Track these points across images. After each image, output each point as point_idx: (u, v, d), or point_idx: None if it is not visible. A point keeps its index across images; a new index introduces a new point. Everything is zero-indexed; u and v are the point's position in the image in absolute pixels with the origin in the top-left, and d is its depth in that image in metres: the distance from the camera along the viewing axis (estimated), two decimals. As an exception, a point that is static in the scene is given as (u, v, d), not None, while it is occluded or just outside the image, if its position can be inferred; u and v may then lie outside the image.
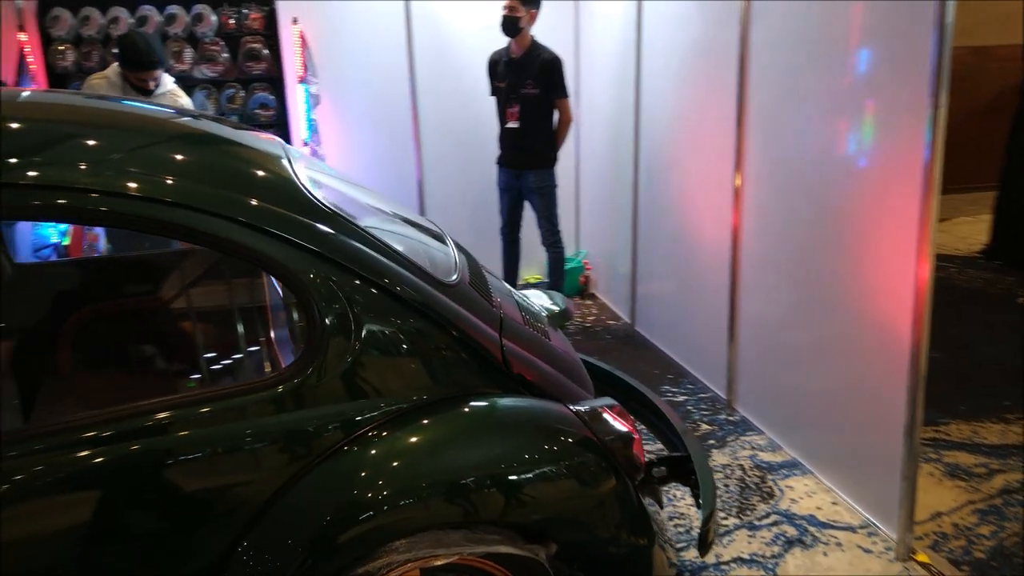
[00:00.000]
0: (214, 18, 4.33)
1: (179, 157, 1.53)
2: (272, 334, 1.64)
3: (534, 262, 5.16)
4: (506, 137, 4.44)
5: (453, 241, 2.19)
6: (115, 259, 1.81)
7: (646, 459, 2.29)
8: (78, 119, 1.60)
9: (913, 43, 2.20)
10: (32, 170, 1.33)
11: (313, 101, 4.59)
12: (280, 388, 1.48)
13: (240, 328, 1.62)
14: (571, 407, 1.79)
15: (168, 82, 3.58)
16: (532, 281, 5.44)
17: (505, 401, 1.73)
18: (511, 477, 1.61)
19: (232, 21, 4.37)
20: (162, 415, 1.40)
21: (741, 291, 3.33)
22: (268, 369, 1.63)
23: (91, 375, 1.56)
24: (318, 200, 1.61)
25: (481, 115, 4.64)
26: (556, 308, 2.39)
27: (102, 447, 1.36)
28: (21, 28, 4.18)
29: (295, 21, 4.50)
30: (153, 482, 1.40)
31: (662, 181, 4.11)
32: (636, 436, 1.79)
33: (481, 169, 4.79)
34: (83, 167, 1.37)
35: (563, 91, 4.28)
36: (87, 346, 1.66)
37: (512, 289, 2.28)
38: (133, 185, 1.36)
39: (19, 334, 1.74)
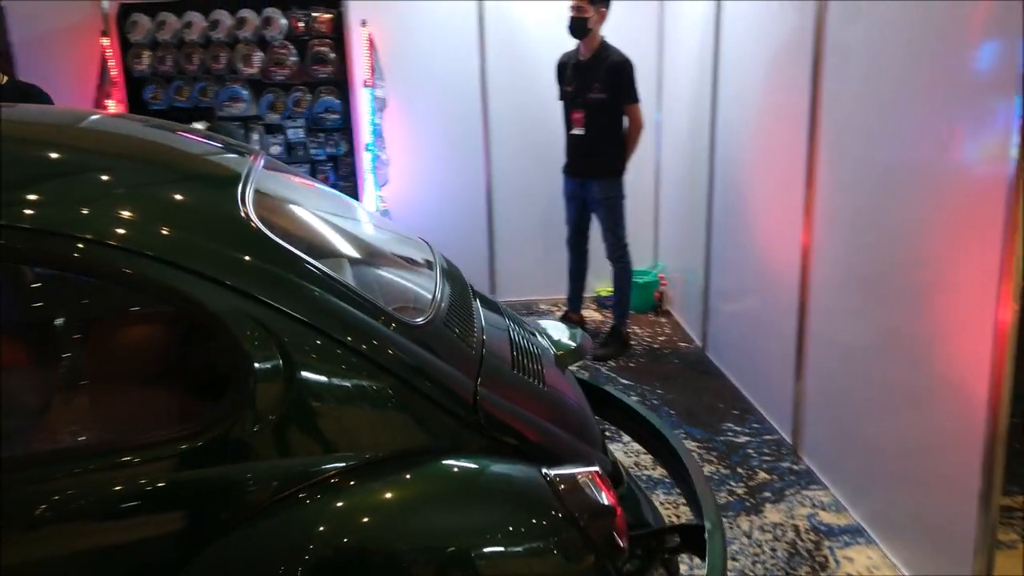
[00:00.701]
0: (283, 21, 4.31)
1: (94, 181, 1.41)
2: (188, 378, 1.51)
3: (607, 273, 4.88)
4: (571, 144, 4.20)
5: (445, 267, 1.99)
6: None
7: (664, 524, 2.02)
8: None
9: (1005, 40, 1.81)
10: None
11: (379, 105, 4.51)
12: (195, 441, 1.32)
13: (150, 370, 1.50)
14: (545, 471, 1.55)
15: None
16: (604, 294, 5.16)
17: (462, 463, 1.51)
18: (454, 553, 1.40)
19: (301, 24, 4.35)
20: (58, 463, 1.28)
21: (810, 320, 2.95)
22: (184, 418, 1.50)
23: None
24: (260, 231, 1.44)
25: (554, 121, 4.42)
26: (571, 345, 2.14)
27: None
28: (104, 33, 4.31)
29: (364, 23, 4.43)
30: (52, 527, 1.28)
31: (735, 191, 3.75)
32: (618, 510, 1.53)
33: (553, 177, 4.55)
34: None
35: (632, 95, 3.99)
36: None
37: (514, 323, 2.05)
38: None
39: None
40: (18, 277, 1.56)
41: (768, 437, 3.25)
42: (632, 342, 4.48)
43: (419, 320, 1.60)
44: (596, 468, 1.58)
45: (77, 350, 1.55)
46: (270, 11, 4.29)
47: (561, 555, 1.46)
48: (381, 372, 1.45)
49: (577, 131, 4.10)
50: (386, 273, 1.87)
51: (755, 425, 3.37)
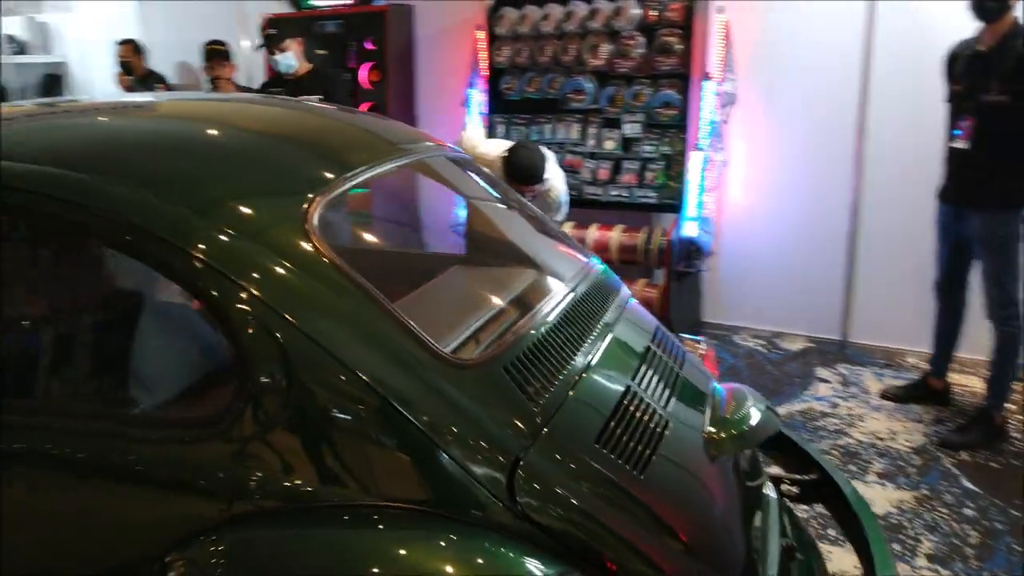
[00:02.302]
0: (636, 11, 4.10)
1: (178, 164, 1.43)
2: (193, 370, 1.46)
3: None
4: (951, 160, 3.22)
5: (580, 296, 1.65)
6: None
7: None
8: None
9: None
10: None
11: (724, 100, 4.04)
12: (194, 433, 1.28)
13: (165, 356, 1.47)
14: None
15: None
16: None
17: (448, 538, 1.20)
18: None
19: (654, 13, 4.08)
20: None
21: None
22: (180, 408, 1.46)
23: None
24: (309, 242, 1.32)
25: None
26: (740, 426, 1.57)
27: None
28: (480, 27, 4.63)
29: (721, 10, 3.98)
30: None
31: None
32: None
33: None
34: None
35: (1053, 100, 2.87)
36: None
37: (662, 379, 1.58)
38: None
39: None
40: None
41: None
42: (1014, 435, 3.30)
43: (465, 355, 1.32)
44: None
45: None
46: (623, 1, 4.12)
47: None
48: (385, 405, 1.23)
49: (960, 144, 3.12)
50: (471, 297, 1.62)
51: None
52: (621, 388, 1.48)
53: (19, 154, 1.42)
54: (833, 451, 3.20)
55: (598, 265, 1.92)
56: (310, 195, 1.40)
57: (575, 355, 1.47)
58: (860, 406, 3.61)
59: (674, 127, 4.11)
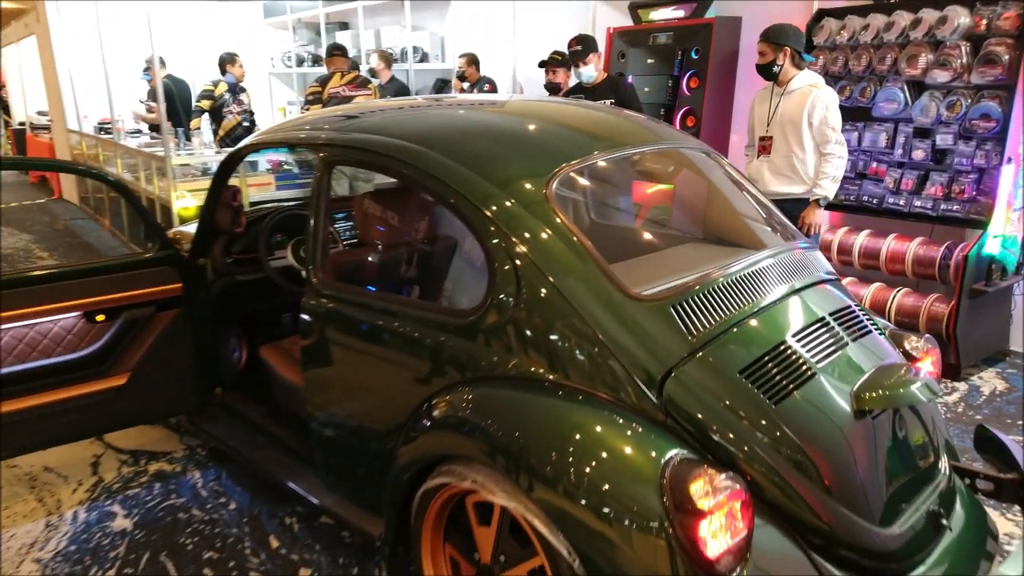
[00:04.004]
0: (962, 20, 3.98)
1: (475, 143, 2.13)
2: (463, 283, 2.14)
3: None
4: None
5: (775, 259, 2.07)
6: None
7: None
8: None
9: None
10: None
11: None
12: (458, 321, 1.96)
13: (450, 272, 2.16)
14: (675, 455, 1.60)
15: (806, 78, 3.74)
16: None
17: (607, 415, 1.70)
18: (539, 468, 1.66)
19: (984, 22, 3.94)
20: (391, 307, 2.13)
21: None
22: (452, 304, 2.16)
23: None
24: (549, 205, 1.91)
25: None
26: (892, 389, 1.80)
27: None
28: (800, 37, 4.81)
29: (1063, 18, 3.71)
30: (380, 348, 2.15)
31: None
32: (707, 514, 1.47)
33: None
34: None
35: None
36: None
37: (826, 339, 1.89)
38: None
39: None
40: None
41: None
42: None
43: (642, 291, 1.80)
44: (736, 485, 1.52)
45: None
46: (950, 9, 4.03)
47: (632, 528, 1.54)
48: (579, 319, 1.78)
49: None
50: (686, 261, 2.07)
51: None
52: (779, 339, 1.83)
53: (389, 132, 2.22)
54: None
55: (802, 246, 2.23)
56: (556, 170, 1.98)
57: (742, 307, 1.86)
58: None
59: (991, 140, 3.93)
